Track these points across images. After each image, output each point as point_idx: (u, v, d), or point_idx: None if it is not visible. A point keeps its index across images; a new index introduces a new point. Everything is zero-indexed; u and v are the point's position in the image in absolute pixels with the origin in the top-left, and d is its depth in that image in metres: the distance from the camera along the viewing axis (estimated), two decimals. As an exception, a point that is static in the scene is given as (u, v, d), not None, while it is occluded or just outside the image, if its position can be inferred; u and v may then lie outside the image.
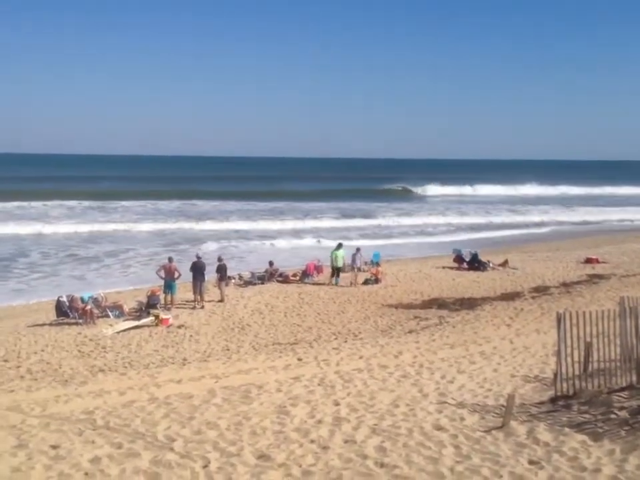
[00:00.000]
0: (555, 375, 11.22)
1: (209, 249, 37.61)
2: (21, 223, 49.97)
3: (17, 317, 23.10)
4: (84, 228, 48.68)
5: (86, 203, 70.03)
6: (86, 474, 8.76)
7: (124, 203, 71.26)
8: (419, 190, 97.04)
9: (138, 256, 37.35)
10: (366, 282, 27.56)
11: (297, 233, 48.23)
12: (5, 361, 17.68)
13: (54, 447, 9.74)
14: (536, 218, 61.94)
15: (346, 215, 62.35)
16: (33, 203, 68.13)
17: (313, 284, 27.99)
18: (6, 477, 8.71)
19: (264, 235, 46.57)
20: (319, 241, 42.55)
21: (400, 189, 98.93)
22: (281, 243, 42.51)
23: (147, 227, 50.54)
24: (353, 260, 28.55)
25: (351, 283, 27.49)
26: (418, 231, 52.47)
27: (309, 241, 43.24)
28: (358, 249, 29.31)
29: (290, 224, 53.73)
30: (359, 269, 28.46)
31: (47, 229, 47.66)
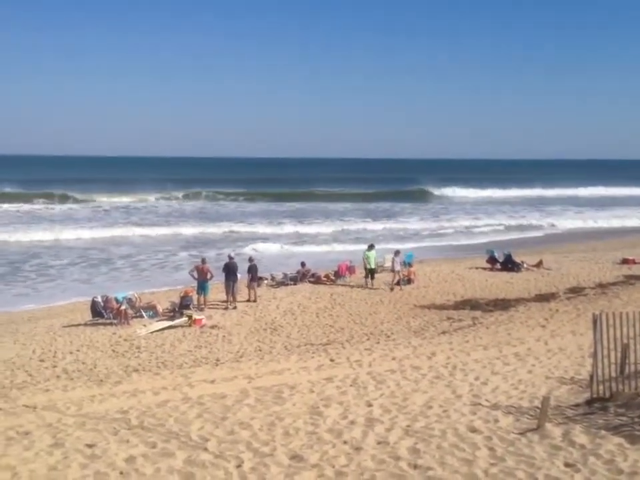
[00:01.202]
0: (591, 376, 11.07)
1: (226, 252, 37.19)
2: (40, 227, 49.97)
3: (52, 317, 23.42)
4: (104, 231, 48.34)
5: (112, 204, 71.32)
6: (121, 473, 8.84)
7: (149, 204, 72.41)
8: (440, 192, 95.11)
9: (152, 259, 37.39)
10: (398, 283, 27.42)
11: (317, 236, 48.47)
12: (42, 360, 17.92)
13: (89, 446, 9.85)
14: (563, 220, 60.18)
15: (372, 217, 61.98)
16: (60, 206, 69.18)
17: (345, 285, 27.95)
18: (42, 476, 8.83)
19: (282, 238, 46.50)
20: (331, 247, 42.00)
21: (421, 190, 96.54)
22: (297, 246, 42.22)
23: (167, 230, 50.26)
24: (393, 263, 27.91)
25: (391, 289, 26.95)
26: (445, 232, 51.98)
27: (325, 246, 42.68)
28: (397, 252, 28.57)
29: (313, 227, 53.40)
30: (398, 272, 27.69)
31: (67, 232, 47.19)
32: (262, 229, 51.67)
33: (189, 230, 50.12)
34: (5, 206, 66.68)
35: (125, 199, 75.31)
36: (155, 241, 44.77)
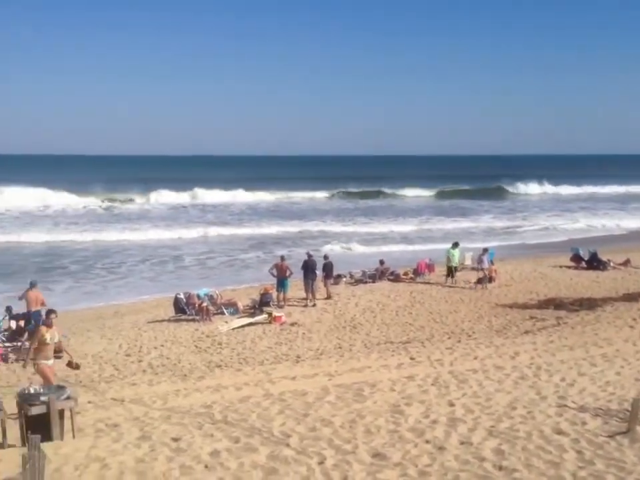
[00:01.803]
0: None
1: (300, 251, 36.64)
2: (116, 227, 51.09)
3: (138, 312, 24.04)
4: (177, 231, 48.72)
5: (186, 203, 72.63)
6: (206, 466, 8.99)
7: (222, 202, 73.08)
8: (516, 189, 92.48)
9: (222, 257, 37.79)
10: (480, 281, 26.96)
11: (391, 234, 48.24)
12: (128, 355, 18.42)
13: (175, 440, 10.06)
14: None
15: (447, 215, 61.23)
16: (130, 206, 70.20)
17: (425, 283, 27.72)
18: (131, 468, 9.06)
19: (356, 236, 46.30)
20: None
21: (498, 187, 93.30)
22: (372, 245, 41.85)
23: (239, 228, 50.61)
24: (480, 260, 27.27)
25: (480, 287, 26.39)
26: (525, 230, 50.95)
27: (401, 244, 42.38)
28: (485, 250, 27.94)
29: (388, 225, 52.86)
30: (485, 270, 26.99)
31: (141, 232, 47.85)
32: (335, 227, 51.69)
33: (261, 229, 50.42)
34: (89, 203, 68.96)
35: (201, 199, 76.10)
36: (226, 240, 45.18)
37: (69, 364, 13.50)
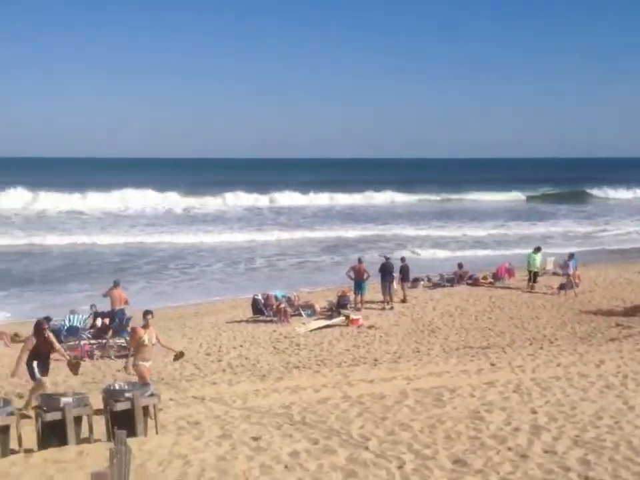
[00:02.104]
0: None
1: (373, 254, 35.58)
2: (191, 229, 52.01)
3: (217, 313, 24.42)
4: (250, 234, 49.15)
5: (262, 206, 72.91)
6: (286, 467, 9.03)
7: (298, 205, 73.24)
8: (604, 192, 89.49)
9: (293, 259, 38.14)
10: (563, 287, 26.26)
11: (466, 238, 47.53)
12: (208, 354, 18.72)
13: (255, 439, 10.14)
14: None
15: (524, 219, 59.78)
16: (207, 208, 70.19)
17: (505, 287, 27.21)
18: (212, 465, 9.18)
19: (431, 240, 45.90)
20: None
21: (580, 191, 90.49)
22: (449, 249, 41.35)
23: (310, 231, 50.61)
24: (566, 266, 26.56)
25: (559, 291, 25.77)
26: (607, 235, 49.55)
27: (478, 249, 41.65)
28: (571, 255, 27.22)
29: (463, 229, 51.98)
30: (569, 276, 26.16)
31: (212, 235, 48.20)
32: (409, 231, 51.17)
33: (335, 231, 50.29)
34: (168, 204, 70.05)
35: (277, 201, 76.17)
36: (298, 242, 45.30)
37: (175, 357, 13.82)
